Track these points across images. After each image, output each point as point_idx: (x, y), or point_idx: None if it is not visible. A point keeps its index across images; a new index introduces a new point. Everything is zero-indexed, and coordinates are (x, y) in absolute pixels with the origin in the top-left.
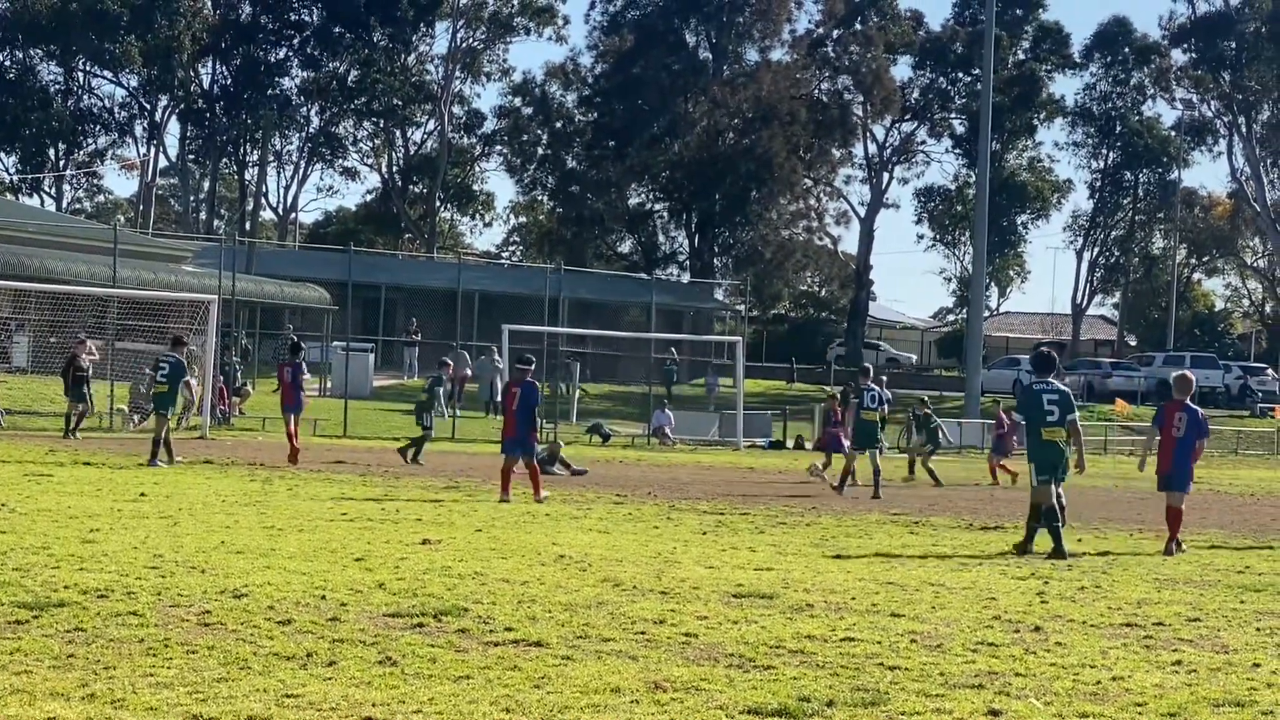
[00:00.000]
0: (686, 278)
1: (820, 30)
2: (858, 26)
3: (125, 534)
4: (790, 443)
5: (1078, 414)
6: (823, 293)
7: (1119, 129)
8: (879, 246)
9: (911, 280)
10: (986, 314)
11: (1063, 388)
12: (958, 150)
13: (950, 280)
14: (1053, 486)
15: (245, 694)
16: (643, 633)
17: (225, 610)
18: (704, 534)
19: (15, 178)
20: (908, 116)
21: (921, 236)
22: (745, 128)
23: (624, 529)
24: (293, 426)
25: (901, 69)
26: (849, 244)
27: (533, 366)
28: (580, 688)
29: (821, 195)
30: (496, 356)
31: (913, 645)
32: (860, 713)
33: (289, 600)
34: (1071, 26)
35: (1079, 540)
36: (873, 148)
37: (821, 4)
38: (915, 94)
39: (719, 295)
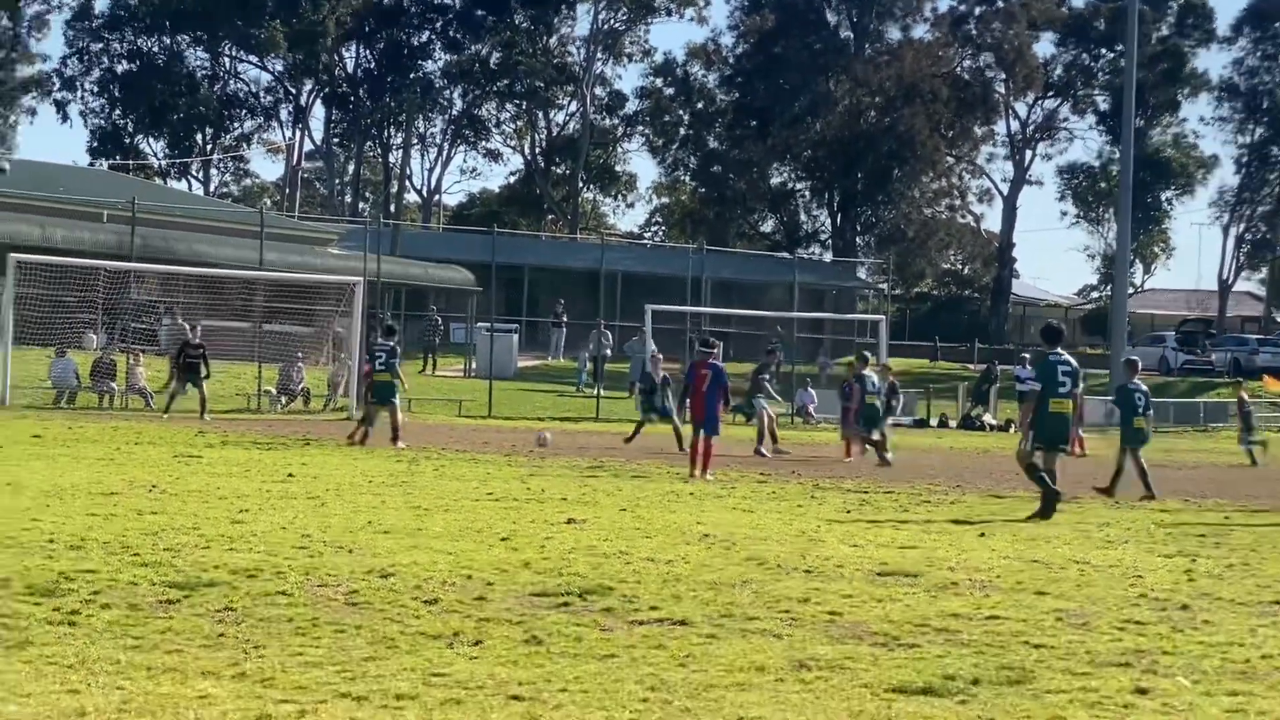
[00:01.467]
0: (829, 257)
1: (962, 7)
2: (1000, 3)
3: (274, 514)
4: (934, 421)
5: (1081, 387)
6: (965, 270)
7: (1266, 104)
8: (1022, 224)
9: (1055, 258)
10: (1131, 291)
11: (1074, 361)
12: (1101, 127)
13: (1094, 257)
14: (1054, 455)
15: (393, 673)
16: (787, 611)
17: (373, 590)
18: (848, 512)
19: (164, 162)
20: (1050, 93)
21: (1065, 213)
22: (887, 106)
23: (768, 508)
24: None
25: (1044, 45)
26: (992, 222)
27: (718, 349)
28: (725, 666)
29: (964, 173)
30: (649, 338)
31: (1058, 623)
32: (1006, 691)
33: (435, 580)
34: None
35: (1225, 517)
36: (1015, 125)
37: None
38: (1058, 70)
39: (861, 274)
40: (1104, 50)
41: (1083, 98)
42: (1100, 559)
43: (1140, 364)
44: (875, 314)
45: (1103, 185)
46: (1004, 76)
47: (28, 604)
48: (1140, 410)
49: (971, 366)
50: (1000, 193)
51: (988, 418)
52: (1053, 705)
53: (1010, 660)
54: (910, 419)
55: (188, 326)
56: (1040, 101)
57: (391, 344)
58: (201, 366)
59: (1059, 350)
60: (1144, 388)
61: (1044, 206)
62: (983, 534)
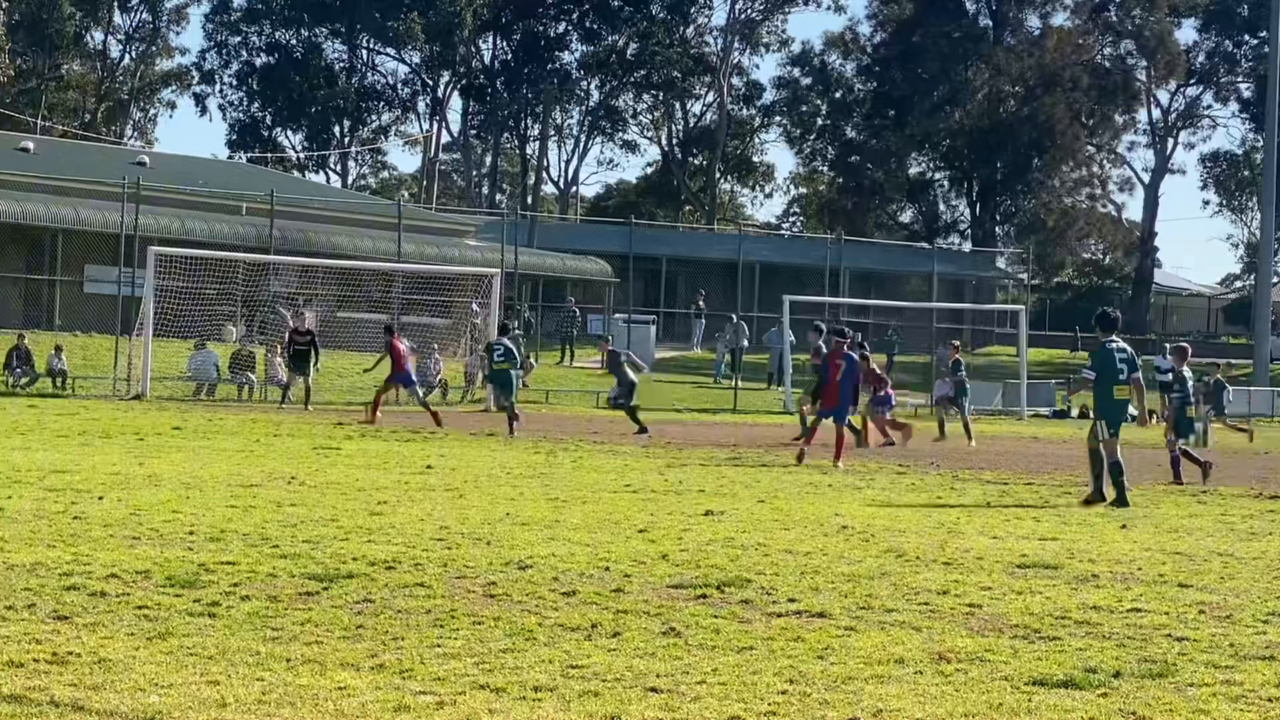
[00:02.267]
0: (968, 246)
1: None
2: None
3: (412, 506)
4: (1075, 411)
5: (1140, 373)
6: (1106, 260)
7: None
8: (1164, 213)
9: (1197, 247)
10: (1275, 280)
11: (1129, 348)
12: (1244, 114)
13: (1237, 246)
14: (1117, 442)
15: (531, 665)
16: (926, 603)
17: (510, 581)
18: (988, 504)
19: (302, 155)
20: (1193, 81)
21: (1207, 202)
22: (1027, 94)
23: (907, 499)
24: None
25: (1186, 32)
26: (1133, 211)
27: (850, 339)
28: (864, 658)
29: (1104, 162)
30: (788, 329)
31: (1201, 616)
32: (1148, 684)
33: (573, 571)
34: None
35: None
36: (1157, 113)
37: None
38: (1200, 58)
39: (1001, 264)
40: (1247, 36)
41: (1225, 85)
42: (1244, 551)
43: (1190, 351)
44: (1014, 304)
45: (1246, 174)
46: (1145, 64)
47: (168, 595)
48: (1189, 399)
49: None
50: (1141, 181)
51: (1131, 409)
52: (1195, 699)
53: (1152, 653)
54: (1050, 409)
55: (293, 315)
56: (1182, 89)
57: (506, 343)
58: (311, 354)
59: (1114, 337)
60: (1188, 374)
61: (1186, 195)
62: (1124, 526)
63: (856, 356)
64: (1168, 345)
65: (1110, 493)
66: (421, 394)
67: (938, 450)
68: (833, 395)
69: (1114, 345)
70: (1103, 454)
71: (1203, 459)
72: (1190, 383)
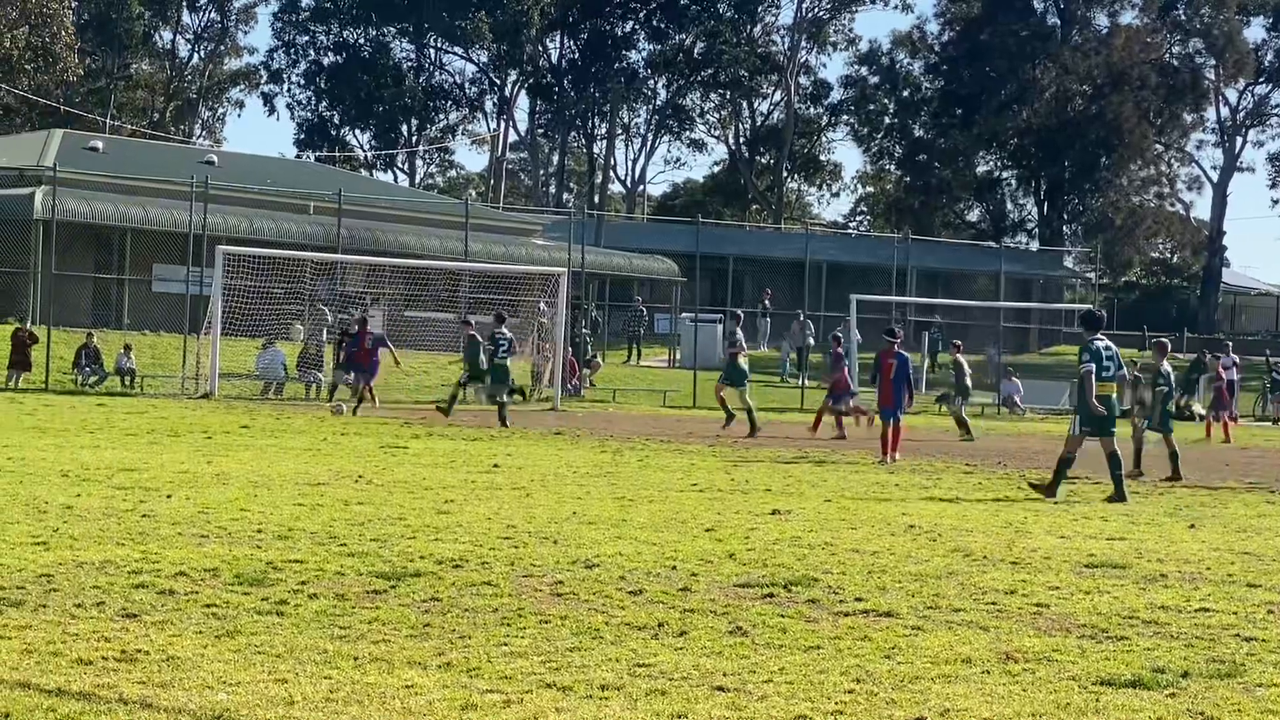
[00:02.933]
0: (1035, 245)
1: None
2: None
3: (479, 505)
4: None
5: (1125, 370)
6: (1174, 259)
7: None
8: (1232, 212)
9: (1266, 246)
10: None
11: (1114, 346)
12: None
13: None
14: (1109, 439)
15: (597, 663)
16: (993, 603)
17: (577, 580)
18: (1055, 503)
19: (369, 154)
20: (1262, 79)
21: (1277, 201)
22: (1095, 93)
23: (974, 499)
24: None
25: (1255, 30)
26: (1201, 210)
27: (900, 338)
28: (931, 658)
29: (1172, 160)
30: (854, 328)
31: (1270, 616)
32: (1216, 684)
33: (640, 570)
34: None
35: None
36: (1225, 111)
37: None
38: (1269, 56)
39: (1068, 263)
40: None
41: None
42: None
43: (1170, 346)
44: (1082, 303)
45: None
46: (1214, 62)
47: (236, 593)
48: (1171, 394)
49: (1180, 356)
50: (1210, 180)
51: (1197, 407)
52: (1264, 699)
53: (1221, 653)
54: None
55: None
56: (1251, 88)
57: (508, 334)
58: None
59: (1100, 335)
60: (1169, 370)
61: (1255, 194)
62: (1192, 525)
63: (907, 355)
64: (1229, 343)
65: (1083, 490)
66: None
67: (991, 449)
68: (888, 394)
69: (1101, 343)
70: (1071, 452)
71: (1142, 466)
72: (1173, 377)
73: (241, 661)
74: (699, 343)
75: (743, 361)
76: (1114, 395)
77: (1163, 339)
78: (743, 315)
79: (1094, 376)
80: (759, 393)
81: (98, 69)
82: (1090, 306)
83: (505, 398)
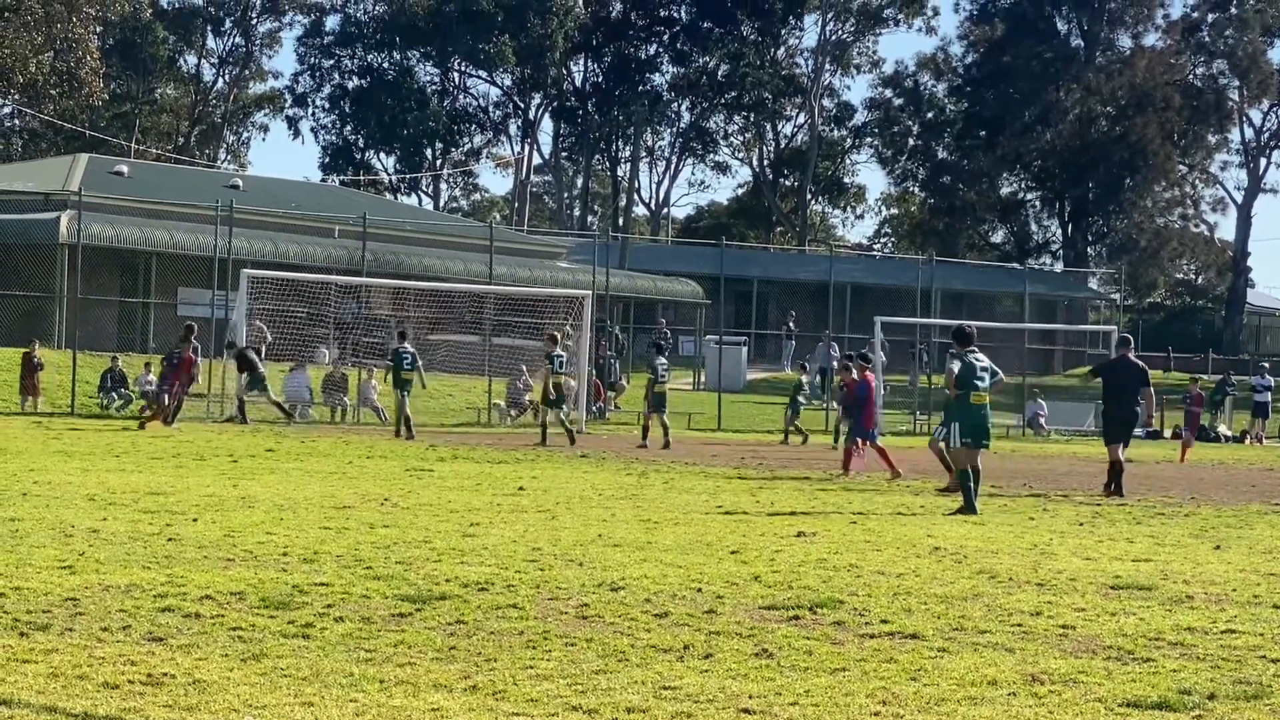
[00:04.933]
0: (1060, 267)
1: (1194, 14)
2: (1233, 9)
3: (504, 528)
4: (1168, 433)
5: (1002, 376)
6: (1199, 280)
7: None
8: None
9: None
10: None
11: (986, 359)
12: None
13: None
14: (975, 451)
15: (623, 686)
16: (1019, 625)
17: (603, 603)
18: (1080, 525)
19: (394, 178)
20: None
21: None
22: (1118, 115)
23: (999, 520)
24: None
25: (1279, 52)
26: (1226, 231)
27: (870, 364)
28: (957, 680)
29: (1197, 182)
30: (879, 349)
31: None
32: (1242, 706)
33: (666, 593)
34: None
35: None
36: (1250, 132)
37: None
38: None
39: (1093, 284)
40: None
41: None
42: None
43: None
44: (1107, 325)
45: None
46: (1238, 83)
47: (262, 616)
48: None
49: (1206, 377)
50: (1234, 201)
51: (1223, 429)
52: None
53: (1247, 675)
54: (1143, 430)
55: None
56: (1275, 109)
57: (410, 349)
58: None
59: (973, 348)
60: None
61: None
62: (1218, 547)
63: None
64: (1265, 365)
65: (957, 500)
66: (514, 415)
67: (1017, 470)
68: (870, 417)
69: (974, 357)
70: (948, 458)
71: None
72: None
73: (267, 684)
74: (724, 365)
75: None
76: (988, 407)
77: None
78: (667, 342)
79: (954, 376)
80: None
81: (123, 94)
82: (962, 324)
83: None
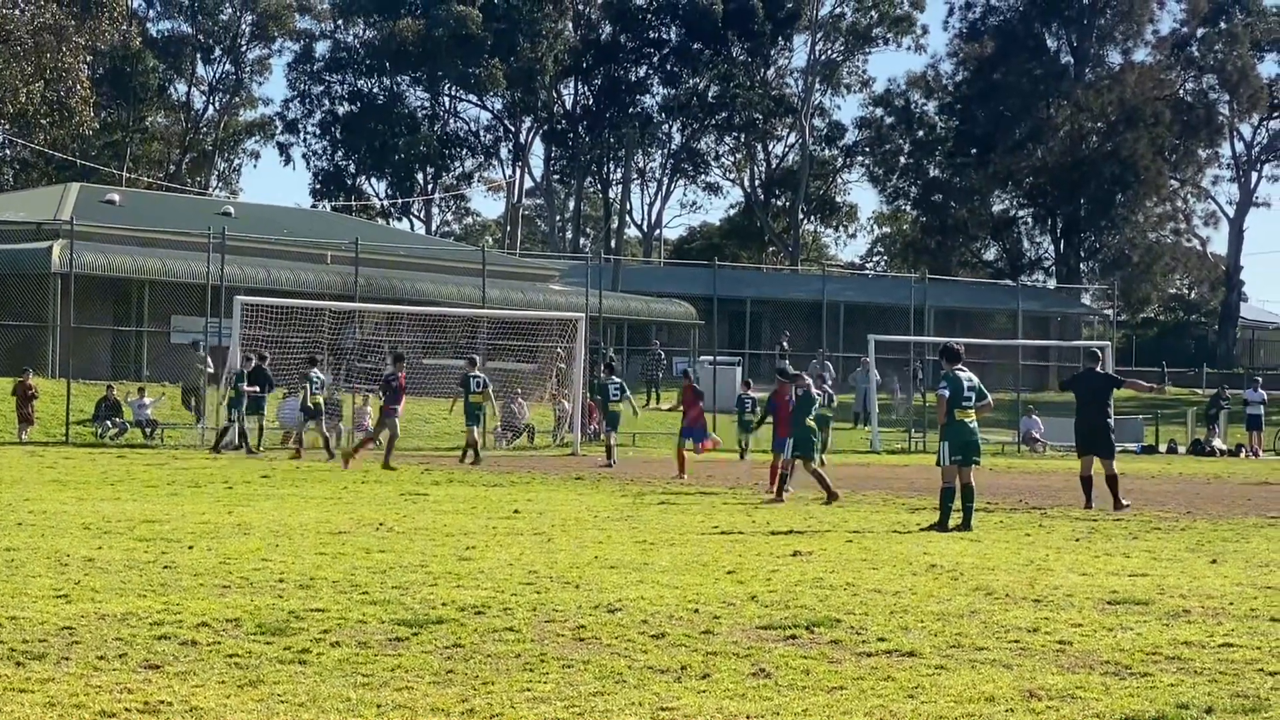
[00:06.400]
0: (1052, 283)
1: (1184, 29)
2: (1222, 24)
3: (500, 551)
4: (1164, 447)
5: (990, 400)
6: (1192, 295)
7: None
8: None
9: None
10: None
11: (975, 377)
12: None
13: None
14: (967, 469)
15: (621, 708)
16: (1016, 641)
17: (600, 625)
18: (1077, 540)
19: (386, 202)
20: (1276, 114)
21: None
22: (1109, 130)
23: (995, 537)
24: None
25: (1268, 66)
26: (1218, 245)
27: (798, 377)
28: (954, 697)
29: (1188, 196)
30: (873, 368)
31: None
32: (1240, 719)
33: (662, 614)
34: None
35: None
36: (1240, 146)
37: (1185, 3)
38: None
39: (1086, 300)
40: None
41: None
42: None
43: (804, 375)
44: (1100, 340)
45: None
46: (1228, 98)
47: (259, 643)
48: (813, 414)
49: (1200, 391)
50: (1226, 215)
51: (1218, 443)
52: None
53: (1245, 688)
54: (1138, 445)
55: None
56: (1265, 122)
57: (319, 374)
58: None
59: (961, 367)
60: (815, 394)
61: (1272, 228)
62: (1214, 561)
63: (800, 392)
64: (1259, 379)
65: (957, 519)
66: (509, 439)
67: (1012, 486)
68: (785, 428)
69: (963, 374)
70: (949, 483)
71: (833, 488)
72: (818, 403)
73: (265, 711)
74: (717, 385)
75: (622, 407)
76: (975, 423)
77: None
78: (612, 360)
79: (948, 401)
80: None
81: (113, 122)
82: (949, 341)
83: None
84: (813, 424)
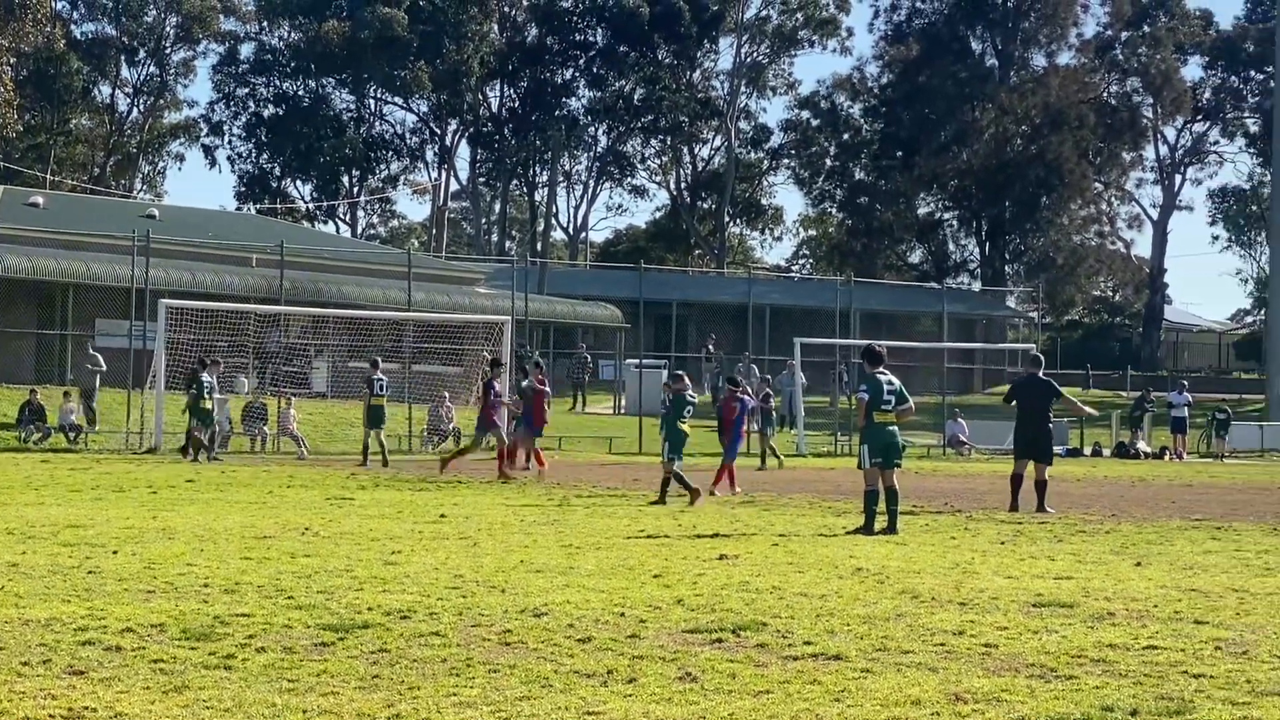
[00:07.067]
0: (978, 286)
1: (1108, 33)
2: (1145, 28)
3: (426, 555)
4: (1088, 450)
5: (911, 402)
6: (1116, 297)
7: None
8: (1173, 249)
9: (1207, 283)
10: None
11: (896, 380)
12: (1252, 149)
13: (1247, 281)
14: (890, 471)
15: (547, 712)
16: (942, 644)
17: (526, 629)
18: (1002, 544)
19: (311, 205)
20: (1199, 117)
21: (1216, 238)
22: (1034, 133)
23: (921, 540)
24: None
25: (1192, 69)
26: (1142, 248)
27: (741, 387)
28: (880, 700)
29: (1112, 199)
30: (799, 370)
31: (1218, 653)
32: None
33: (589, 618)
34: None
35: None
36: (1164, 149)
37: (1108, 6)
38: (1206, 94)
39: (1011, 303)
40: (1253, 72)
41: (1232, 121)
42: (1259, 586)
43: (684, 375)
44: (1025, 343)
45: (1254, 208)
46: (1152, 101)
47: (184, 648)
48: (686, 416)
49: (1124, 394)
50: (1150, 218)
51: (1142, 445)
52: None
53: (1169, 690)
54: (1063, 448)
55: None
56: (1189, 125)
57: (206, 378)
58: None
59: (883, 369)
60: (688, 397)
61: (1195, 231)
62: (1139, 563)
63: (748, 402)
64: (1184, 382)
65: (881, 522)
66: (435, 443)
67: (938, 490)
68: (730, 434)
69: (883, 377)
70: (872, 485)
71: (693, 485)
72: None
73: (190, 717)
74: (644, 389)
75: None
76: (896, 426)
77: (679, 372)
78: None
79: (867, 404)
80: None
81: (37, 125)
82: (871, 343)
83: None
84: (684, 427)
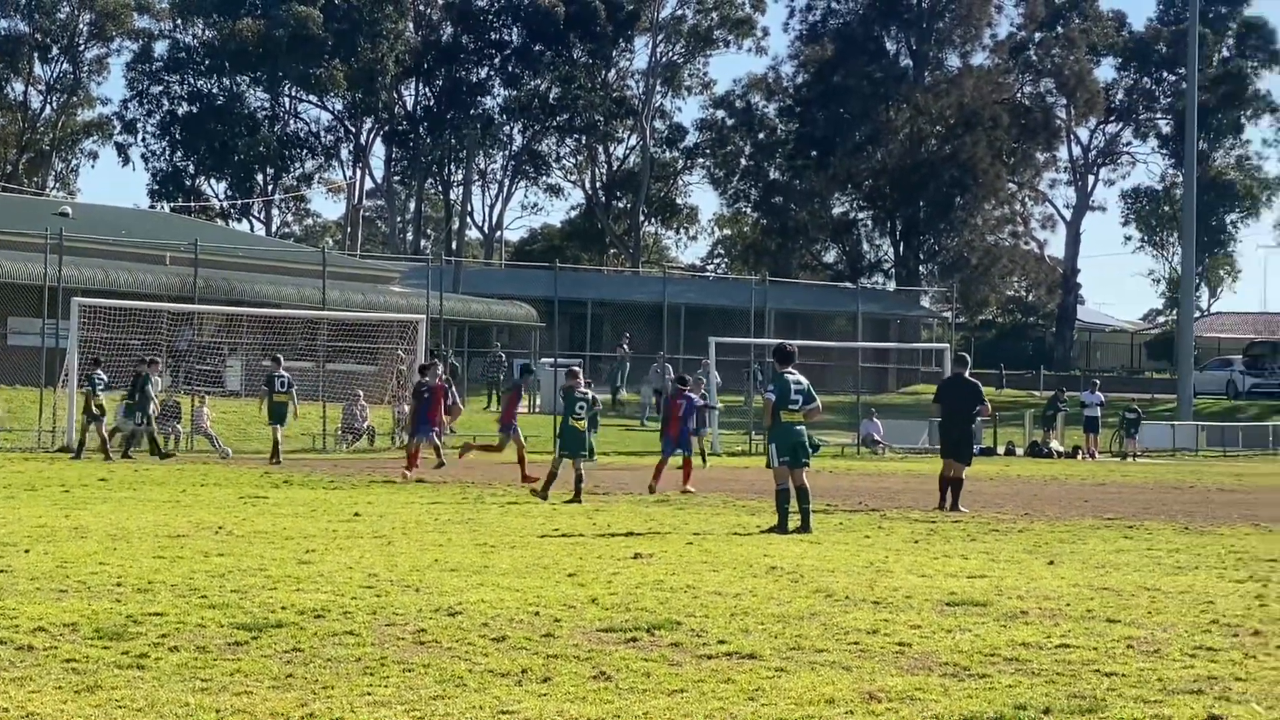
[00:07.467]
0: (892, 286)
1: (1021, 34)
2: (1059, 29)
3: (340, 554)
4: (1001, 449)
5: (818, 401)
6: (1030, 297)
7: None
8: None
9: (1120, 283)
10: (1197, 315)
11: (804, 380)
12: (1164, 150)
13: (1159, 282)
14: (799, 470)
15: (461, 711)
16: (856, 643)
17: (440, 628)
18: (916, 542)
19: (225, 203)
20: (1112, 118)
21: (1129, 238)
22: (948, 133)
23: (835, 539)
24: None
25: (1105, 70)
26: (1055, 248)
27: (689, 385)
28: (794, 699)
29: (1026, 199)
30: (714, 370)
31: (1129, 651)
32: None
33: (503, 617)
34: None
35: None
36: (1077, 150)
37: (1022, 7)
38: (1119, 95)
39: (925, 303)
40: (1165, 73)
41: (1145, 121)
42: (1170, 585)
43: (580, 372)
44: (939, 342)
45: (1166, 209)
46: (1065, 102)
47: (96, 647)
48: (579, 414)
49: (1038, 394)
50: (1063, 219)
51: (1055, 445)
52: None
53: (1081, 689)
54: (976, 447)
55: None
56: (1102, 126)
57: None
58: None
59: (792, 369)
60: (579, 394)
61: (1108, 231)
62: (1051, 562)
63: (696, 399)
64: (1096, 381)
65: (795, 521)
66: (350, 441)
67: (852, 488)
68: (677, 432)
69: (791, 376)
70: (782, 483)
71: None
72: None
73: (102, 716)
74: (558, 388)
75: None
76: (803, 426)
77: (574, 367)
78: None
79: (774, 404)
80: (621, 437)
81: None
82: (783, 342)
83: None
84: (577, 424)
